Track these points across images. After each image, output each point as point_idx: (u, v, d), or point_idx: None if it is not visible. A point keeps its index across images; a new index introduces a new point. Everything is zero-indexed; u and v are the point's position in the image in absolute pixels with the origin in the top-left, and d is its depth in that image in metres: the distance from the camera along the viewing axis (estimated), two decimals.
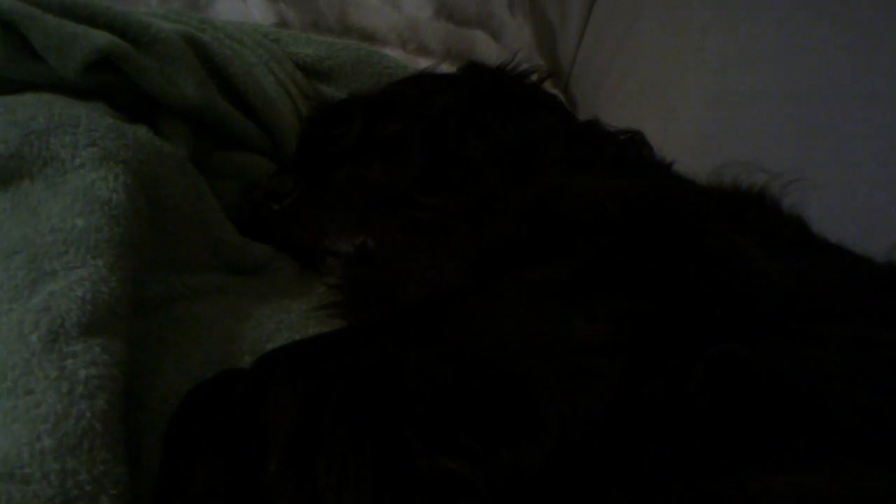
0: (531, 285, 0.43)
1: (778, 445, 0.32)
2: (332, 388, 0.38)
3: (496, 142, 0.69)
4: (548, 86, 0.87)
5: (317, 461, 0.35)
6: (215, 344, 0.49)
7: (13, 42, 0.56)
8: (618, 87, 1.40)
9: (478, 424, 0.34)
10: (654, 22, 1.32)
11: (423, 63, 1.19)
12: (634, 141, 0.73)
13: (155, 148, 0.54)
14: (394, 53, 1.12)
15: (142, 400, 0.43)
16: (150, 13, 0.70)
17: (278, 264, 0.67)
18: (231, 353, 0.49)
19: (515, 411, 0.35)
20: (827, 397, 0.33)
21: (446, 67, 0.97)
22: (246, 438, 0.38)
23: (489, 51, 1.34)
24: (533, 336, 0.39)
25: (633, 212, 0.49)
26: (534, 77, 0.81)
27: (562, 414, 0.34)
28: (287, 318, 0.55)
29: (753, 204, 0.58)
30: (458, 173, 0.67)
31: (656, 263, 0.44)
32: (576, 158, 0.66)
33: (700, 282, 0.42)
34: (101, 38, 0.58)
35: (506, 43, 1.39)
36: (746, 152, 0.97)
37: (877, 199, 0.76)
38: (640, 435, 0.34)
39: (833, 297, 0.41)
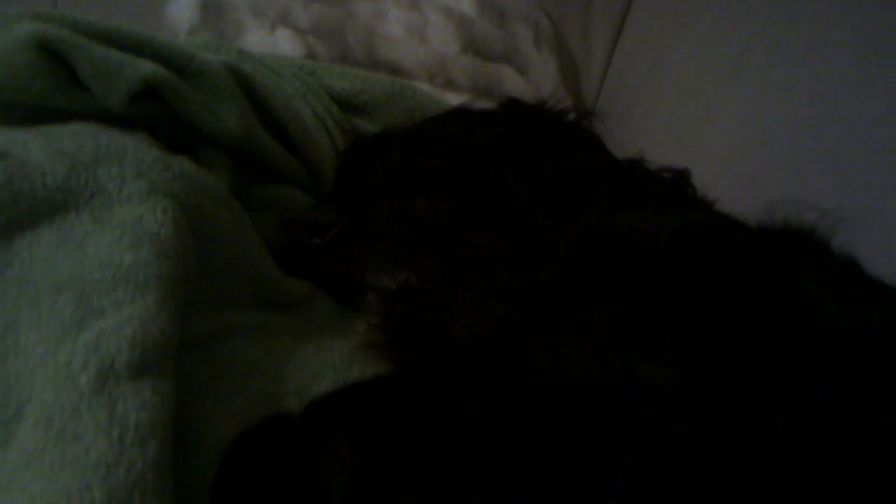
0: (588, 326, 0.42)
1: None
2: (390, 437, 0.36)
3: (538, 178, 0.68)
4: None
5: None
6: (260, 385, 0.47)
7: (59, 71, 0.56)
8: (643, 123, 1.39)
9: (543, 475, 0.33)
10: (681, 56, 1.32)
11: (451, 96, 1.19)
12: (679, 180, 0.71)
13: (199, 181, 0.53)
14: (421, 87, 1.12)
15: (185, 442, 0.41)
16: (191, 43, 0.70)
17: (315, 300, 0.65)
18: (276, 395, 0.47)
19: (581, 462, 0.33)
20: None
21: (474, 102, 0.96)
22: (299, 490, 0.36)
23: (515, 85, 1.34)
24: (595, 381, 0.37)
25: (689, 250, 0.48)
26: (571, 115, 0.80)
27: (628, 465, 0.33)
28: (330, 358, 0.53)
29: (805, 244, 0.56)
30: (501, 209, 0.66)
31: (717, 304, 0.42)
32: (621, 196, 0.65)
33: (764, 324, 0.40)
34: (147, 67, 0.57)
35: (531, 78, 1.39)
36: (780, 189, 0.95)
37: None
38: (710, 488, 0.32)
39: None
